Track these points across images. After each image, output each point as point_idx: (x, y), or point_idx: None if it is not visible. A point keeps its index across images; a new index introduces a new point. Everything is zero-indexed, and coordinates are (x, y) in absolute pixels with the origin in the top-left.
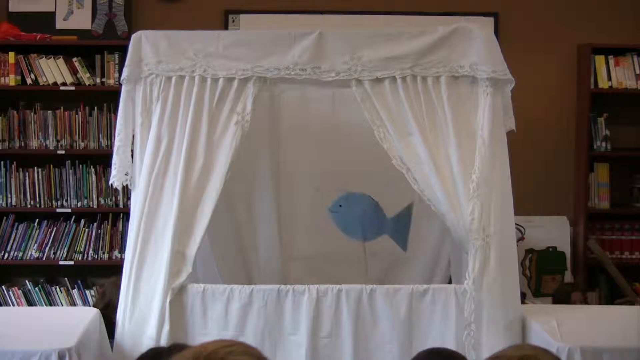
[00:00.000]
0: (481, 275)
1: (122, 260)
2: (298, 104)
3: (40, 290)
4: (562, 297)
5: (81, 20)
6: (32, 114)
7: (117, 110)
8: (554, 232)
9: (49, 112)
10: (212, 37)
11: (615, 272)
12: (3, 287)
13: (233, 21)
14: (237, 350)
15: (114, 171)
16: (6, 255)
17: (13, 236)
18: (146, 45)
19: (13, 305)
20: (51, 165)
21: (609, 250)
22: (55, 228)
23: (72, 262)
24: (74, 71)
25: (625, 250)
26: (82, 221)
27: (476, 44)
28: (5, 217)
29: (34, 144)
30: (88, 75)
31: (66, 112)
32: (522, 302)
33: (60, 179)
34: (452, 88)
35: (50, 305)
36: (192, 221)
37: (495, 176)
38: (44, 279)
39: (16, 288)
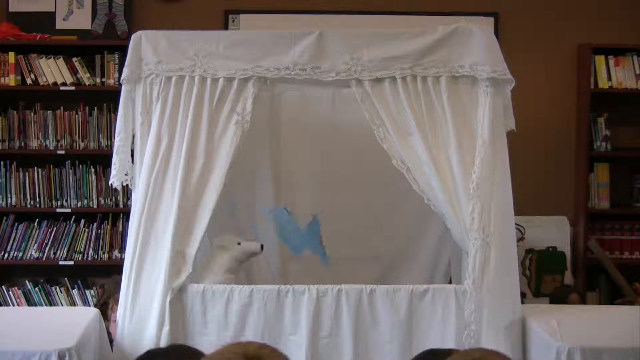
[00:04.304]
0: (481, 275)
1: (122, 260)
2: (298, 104)
3: (40, 290)
4: (559, 299)
5: (81, 20)
6: (32, 114)
7: (117, 110)
8: (554, 232)
9: (49, 112)
10: (212, 37)
11: (615, 272)
12: (3, 287)
13: (233, 21)
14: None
15: (113, 171)
16: (6, 255)
17: (13, 236)
18: (146, 45)
19: (13, 305)
20: (51, 165)
21: (609, 250)
22: (55, 228)
23: (72, 262)
24: (74, 71)
25: (625, 250)
26: (82, 221)
27: (476, 44)
28: (5, 217)
29: (34, 144)
30: (88, 75)
31: (66, 112)
32: (522, 302)
33: (60, 179)
34: (452, 88)
35: (50, 305)
36: (192, 221)
37: (495, 176)
38: (44, 279)
39: (16, 288)
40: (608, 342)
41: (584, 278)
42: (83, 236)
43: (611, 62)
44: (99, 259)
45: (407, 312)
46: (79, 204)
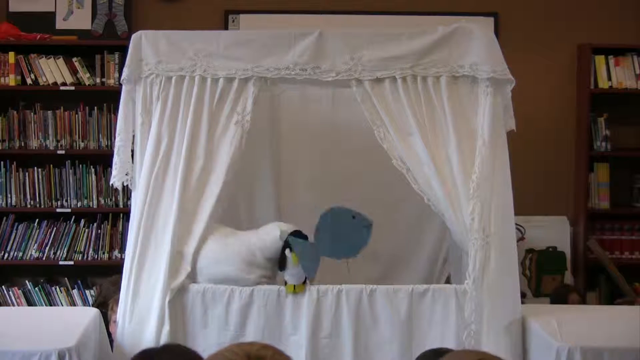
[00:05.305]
0: (481, 275)
1: (122, 260)
2: (298, 104)
3: (40, 290)
4: (559, 298)
5: (81, 20)
6: (32, 114)
7: (117, 110)
8: (554, 232)
9: (49, 112)
10: (212, 37)
11: (615, 272)
12: (3, 287)
13: (233, 21)
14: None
15: (114, 171)
16: (6, 255)
17: (13, 236)
18: (146, 45)
19: (13, 305)
20: (51, 165)
21: (609, 250)
22: (55, 228)
23: (72, 262)
24: (74, 71)
25: (625, 250)
26: (82, 221)
27: (476, 44)
28: (5, 217)
29: (34, 144)
30: (88, 75)
31: (66, 112)
32: (522, 302)
33: (60, 179)
34: (452, 88)
35: (50, 305)
36: (192, 221)
37: (496, 176)
38: (44, 279)
39: (16, 288)
40: (608, 342)
41: (584, 278)
42: (83, 236)
43: (611, 62)
44: (99, 259)
45: (407, 312)
46: (79, 204)
